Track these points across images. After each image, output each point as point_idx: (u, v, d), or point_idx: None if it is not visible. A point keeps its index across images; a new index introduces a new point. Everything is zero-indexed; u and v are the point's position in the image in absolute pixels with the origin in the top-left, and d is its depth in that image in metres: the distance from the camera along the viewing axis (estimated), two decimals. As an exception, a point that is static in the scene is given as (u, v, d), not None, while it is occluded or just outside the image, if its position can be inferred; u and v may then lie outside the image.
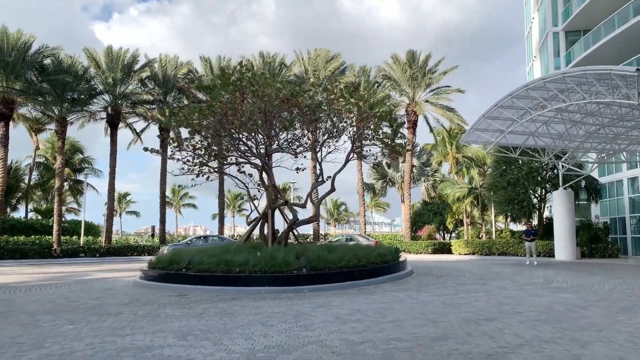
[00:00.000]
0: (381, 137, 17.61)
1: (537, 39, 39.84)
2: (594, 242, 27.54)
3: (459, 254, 32.76)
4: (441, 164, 47.89)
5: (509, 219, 34.80)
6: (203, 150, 17.58)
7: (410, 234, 35.84)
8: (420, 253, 34.11)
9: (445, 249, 34.53)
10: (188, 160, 17.44)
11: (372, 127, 17.66)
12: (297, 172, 20.19)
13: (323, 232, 56.68)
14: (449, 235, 45.95)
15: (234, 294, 12.95)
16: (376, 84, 36.25)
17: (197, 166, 17.39)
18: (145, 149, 16.66)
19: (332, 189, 18.77)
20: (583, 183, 29.82)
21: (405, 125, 36.43)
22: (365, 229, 36.70)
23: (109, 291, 14.22)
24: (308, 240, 37.43)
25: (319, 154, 18.45)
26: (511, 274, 16.95)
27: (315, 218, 18.80)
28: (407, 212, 35.45)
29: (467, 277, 16.17)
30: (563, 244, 25.85)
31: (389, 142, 17.95)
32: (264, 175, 18.26)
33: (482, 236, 35.88)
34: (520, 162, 29.56)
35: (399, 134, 31.42)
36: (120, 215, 68.42)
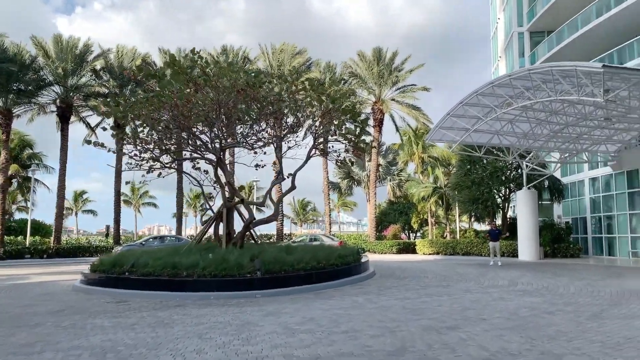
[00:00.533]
0: (344, 132, 16.78)
1: (503, 39, 39.94)
2: (557, 242, 27.53)
3: (424, 253, 32.37)
4: (407, 164, 47.67)
5: (473, 219, 34.65)
6: (153, 144, 16.37)
7: (376, 233, 35.29)
8: (385, 253, 33.59)
9: (410, 248, 34.11)
10: (136, 155, 16.19)
11: (335, 122, 16.81)
12: (257, 169, 19.18)
13: (288, 232, 55.85)
14: (414, 234, 45.71)
15: (179, 300, 11.89)
16: (342, 81, 35.53)
17: (146, 161, 16.15)
18: (88, 142, 15.33)
19: (293, 187, 17.86)
20: (546, 183, 29.82)
21: (372, 124, 35.82)
22: (330, 228, 35.93)
23: (43, 297, 12.93)
24: (271, 240, 36.42)
25: (278, 150, 17.50)
26: (475, 275, 16.41)
27: (274, 217, 17.84)
28: (372, 211, 34.86)
29: (430, 278, 15.54)
30: (527, 244, 25.69)
31: (352, 139, 17.16)
32: (220, 171, 17.17)
33: (446, 236, 35.65)
34: (484, 161, 29.33)
35: (365, 132, 30.81)
36: (76, 214, 65.59)
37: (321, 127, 16.89)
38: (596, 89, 15.76)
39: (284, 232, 38.16)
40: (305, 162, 17.47)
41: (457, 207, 32.23)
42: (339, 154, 18.59)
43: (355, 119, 17.05)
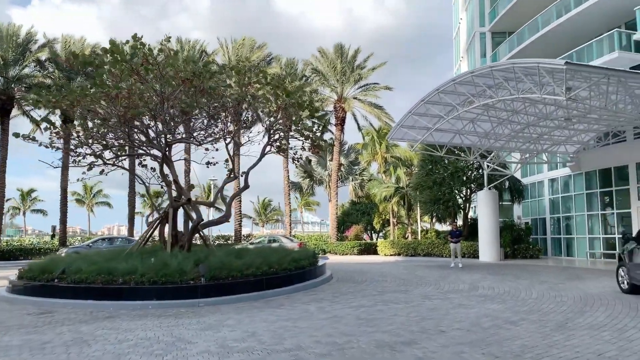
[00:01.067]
0: (300, 128, 15.86)
1: (465, 39, 39.93)
2: (517, 242, 27.45)
3: (385, 254, 31.83)
4: (370, 164, 47.25)
5: (434, 219, 34.39)
6: (92, 139, 15.01)
7: (337, 234, 34.54)
8: (347, 254, 32.89)
9: (371, 249, 33.53)
10: (72, 150, 14.80)
11: (293, 118, 15.87)
12: (208, 167, 18.01)
13: (249, 233, 54.46)
14: (376, 235, 45.28)
15: (113, 310, 10.71)
16: (304, 78, 34.62)
17: (82, 157, 14.79)
18: (16, 135, 13.85)
19: (246, 186, 16.81)
20: (507, 184, 29.76)
21: (333, 122, 35.11)
22: (290, 229, 34.99)
23: (-43, 308, 11.45)
24: (229, 242, 35.16)
25: (230, 146, 16.42)
26: (436, 278, 15.79)
27: (225, 218, 16.74)
28: (334, 211, 34.10)
29: (389, 282, 14.80)
30: (487, 245, 25.44)
31: (310, 136, 16.26)
32: (166, 169, 15.94)
33: (408, 236, 35.27)
34: (446, 161, 29.00)
35: (324, 128, 29.91)
36: (24, 213, 62.25)
37: (277, 123, 15.92)
38: (558, 87, 15.41)
39: (243, 234, 36.93)
40: (259, 159, 16.47)
41: (418, 208, 31.84)
42: (296, 152, 17.67)
43: (313, 115, 16.16)
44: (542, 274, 17.22)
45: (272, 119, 16.18)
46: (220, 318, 9.44)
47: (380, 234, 44.41)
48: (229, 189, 36.22)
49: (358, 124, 36.73)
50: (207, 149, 17.40)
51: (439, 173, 28.80)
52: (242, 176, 17.54)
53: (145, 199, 65.03)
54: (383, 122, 36.24)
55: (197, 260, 12.74)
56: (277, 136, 16.53)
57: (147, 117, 14.74)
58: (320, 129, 17.04)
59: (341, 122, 34.08)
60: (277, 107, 15.64)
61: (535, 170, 31.62)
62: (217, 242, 35.95)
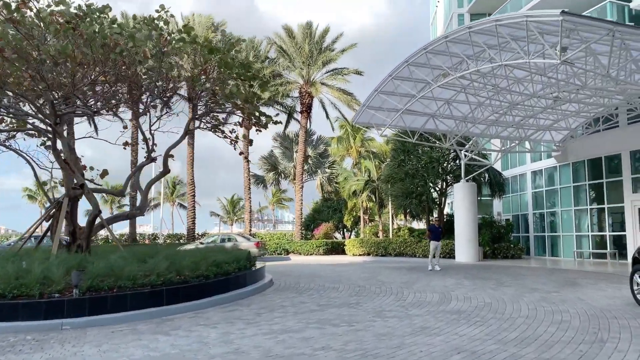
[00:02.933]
0: (228, 94, 12.63)
1: (442, 23, 37.18)
2: (497, 241, 24.72)
3: (353, 254, 28.83)
4: (344, 159, 44.22)
5: (407, 216, 31.53)
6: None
7: (302, 232, 31.41)
8: (312, 254, 29.81)
9: (339, 249, 30.52)
10: None
11: (219, 83, 12.67)
12: (125, 148, 14.67)
13: (204, 231, 50.55)
14: (349, 233, 42.31)
15: None
16: (267, 60, 31.39)
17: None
18: None
19: (166, 171, 13.56)
20: (486, 176, 27.03)
21: (299, 109, 31.92)
22: (250, 227, 31.75)
23: None
24: (180, 241, 31.73)
25: (143, 120, 13.15)
26: (400, 285, 12.75)
27: (140, 211, 13.43)
28: (299, 208, 31.00)
29: (340, 290, 11.72)
30: (465, 244, 22.60)
31: (242, 105, 13.08)
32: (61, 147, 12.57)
33: (379, 235, 32.33)
34: (420, 151, 26.12)
35: (268, 101, 26.41)
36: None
37: (200, 90, 12.68)
38: (551, 48, 12.50)
39: (199, 232, 33.53)
40: (182, 137, 13.23)
41: (390, 203, 28.88)
42: (233, 130, 14.46)
43: (249, 78, 12.96)
44: (528, 278, 14.34)
45: (199, 86, 12.92)
46: (74, 351, 6.25)
47: (353, 233, 41.48)
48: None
49: (326, 112, 33.66)
50: (125, 127, 14.12)
51: (412, 164, 25.89)
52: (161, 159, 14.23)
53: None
54: (353, 109, 33.09)
55: (78, 265, 9.47)
56: (203, 107, 13.29)
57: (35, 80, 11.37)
58: (256, 98, 13.89)
59: (307, 109, 30.93)
60: (202, 69, 12.43)
61: (517, 162, 28.94)
62: (167, 241, 32.55)
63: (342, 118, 37.11)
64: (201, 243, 26.08)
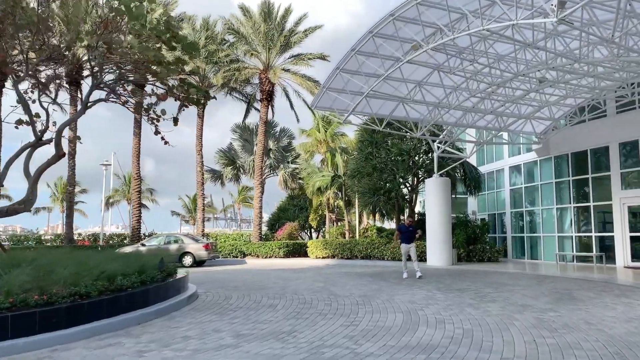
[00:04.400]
0: (137, 54, 9.76)
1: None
2: (472, 242, 22.44)
3: (316, 257, 26.17)
4: (313, 155, 41.55)
5: (376, 215, 29.09)
6: None
7: (261, 233, 28.53)
8: (271, 257, 27.02)
9: (302, 251, 27.80)
10: None
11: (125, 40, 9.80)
12: (17, 128, 11.60)
13: (151, 232, 46.81)
14: (316, 234, 39.66)
15: None
16: (223, 42, 28.42)
17: None
18: None
19: (59, 155, 10.56)
20: (461, 171, 24.75)
21: (259, 97, 29.09)
22: (203, 227, 28.72)
23: None
24: (125, 242, 28.52)
25: (23, 87, 10.16)
26: (357, 299, 10.12)
27: (26, 205, 10.41)
28: (257, 205, 28.16)
29: (278, 310, 8.99)
30: (438, 246, 20.21)
31: (156, 69, 10.25)
32: None
33: (346, 235, 29.78)
34: (389, 143, 23.65)
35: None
36: None
37: (96, 49, 9.76)
38: (546, 2, 10.05)
39: (144, 232, 30.34)
40: (80, 113, 10.33)
41: (356, 200, 26.31)
42: (151, 106, 11.57)
43: (164, 35, 10.11)
44: (514, 288, 11.91)
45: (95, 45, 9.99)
46: None
47: (321, 233, 38.84)
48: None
49: (290, 101, 30.81)
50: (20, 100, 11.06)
51: (381, 157, 23.42)
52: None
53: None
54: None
55: None
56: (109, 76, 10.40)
57: None
58: (181, 64, 11.08)
59: (267, 97, 28.07)
60: (102, 21, 9.52)
61: (494, 157, 26.77)
62: (110, 242, 29.29)
63: (308, 108, 34.53)
64: (143, 245, 23.11)
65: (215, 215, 64.50)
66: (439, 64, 16.11)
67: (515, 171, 25.00)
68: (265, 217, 47.49)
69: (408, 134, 20.71)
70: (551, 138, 21.90)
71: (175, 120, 11.89)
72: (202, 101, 12.74)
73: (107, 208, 57.72)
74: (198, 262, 22.96)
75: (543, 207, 22.62)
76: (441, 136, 21.07)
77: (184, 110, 12.01)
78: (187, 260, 22.43)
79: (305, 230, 40.31)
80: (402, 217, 24.39)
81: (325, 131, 36.22)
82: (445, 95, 18.23)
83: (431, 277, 14.89)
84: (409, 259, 14.82)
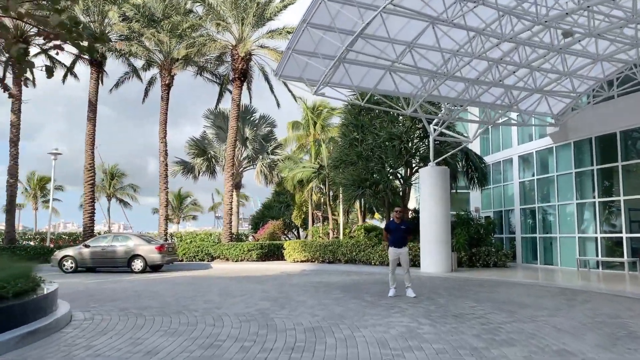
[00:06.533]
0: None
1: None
2: (475, 244, 18.85)
3: (294, 260, 22.55)
4: (302, 148, 37.86)
5: (367, 211, 25.47)
6: None
7: (231, 233, 24.84)
8: (242, 260, 23.38)
9: (279, 253, 24.17)
10: None
11: None
12: None
13: (105, 229, 42.99)
14: (305, 234, 35.98)
15: None
16: (188, 13, 24.74)
17: None
18: None
19: None
20: (462, 162, 21.14)
21: (231, 77, 25.43)
22: (166, 226, 24.93)
23: None
24: (77, 241, 24.94)
25: None
26: (298, 337, 6.50)
27: None
28: (227, 201, 24.50)
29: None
30: (433, 249, 16.59)
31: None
32: None
33: (330, 235, 26.15)
34: (377, 126, 20.00)
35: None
36: None
37: None
38: None
39: (97, 231, 26.72)
40: None
41: (341, 194, 22.62)
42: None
43: None
44: (537, 313, 8.26)
45: None
46: None
47: (307, 232, 35.13)
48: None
49: (269, 82, 26.96)
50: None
51: (367, 143, 19.77)
52: None
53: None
54: (304, 82, 26.72)
55: None
56: None
57: None
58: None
59: (241, 76, 24.39)
60: None
61: (501, 145, 23.13)
62: (59, 240, 25.71)
63: (296, 96, 30.84)
64: (86, 246, 19.55)
65: (203, 214, 60.81)
66: (436, 15, 12.45)
67: (525, 161, 21.36)
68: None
69: (396, 111, 17.06)
70: (570, 120, 18.26)
71: (49, 70, 8.27)
72: (95, 48, 9.06)
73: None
74: (152, 267, 19.40)
75: (560, 202, 18.98)
76: (440, 114, 17.42)
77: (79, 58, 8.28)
78: (137, 264, 18.85)
79: (293, 230, 36.72)
80: (392, 213, 20.74)
81: (315, 124, 32.53)
82: (444, 62, 14.57)
83: (422, 290, 11.25)
84: (399, 263, 10.89)
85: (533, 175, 20.64)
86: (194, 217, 61.42)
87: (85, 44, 8.53)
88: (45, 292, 7.27)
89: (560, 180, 19.05)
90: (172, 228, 59.45)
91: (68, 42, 8.55)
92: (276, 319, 7.77)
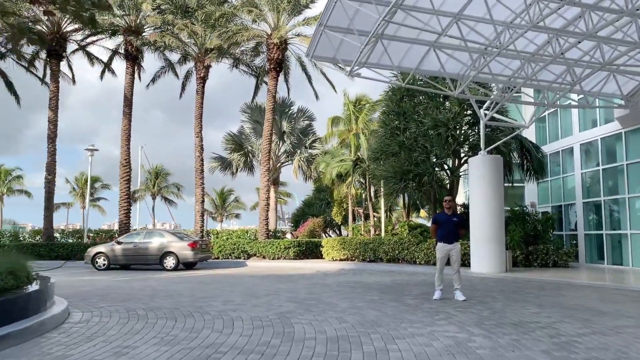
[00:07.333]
0: None
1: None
2: (531, 242, 16.97)
3: (332, 258, 21.30)
4: (343, 143, 36.51)
5: (411, 207, 23.88)
6: None
7: (267, 230, 23.76)
8: (279, 258, 22.34)
9: (317, 251, 22.97)
10: None
11: None
12: None
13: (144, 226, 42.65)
14: (346, 232, 34.62)
15: None
16: (223, 2, 23.88)
17: None
18: None
19: None
20: (517, 151, 19.25)
21: (266, 68, 24.45)
22: (202, 223, 23.87)
23: None
24: (113, 237, 24.65)
25: None
26: (319, 350, 5.21)
27: None
28: (264, 197, 23.50)
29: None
30: (485, 247, 14.89)
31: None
32: None
33: (371, 232, 24.69)
34: (421, 112, 18.43)
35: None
36: None
37: None
38: None
39: (135, 227, 26.39)
40: None
41: (382, 188, 21.12)
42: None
43: None
44: (618, 323, 6.65)
45: None
46: None
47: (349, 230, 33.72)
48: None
49: (307, 74, 25.81)
50: None
51: (410, 132, 18.25)
52: None
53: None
54: (343, 70, 25.40)
55: None
56: None
57: None
58: None
59: (276, 67, 23.38)
60: None
61: (559, 133, 21.02)
62: (95, 238, 25.52)
63: (338, 89, 29.67)
64: (118, 243, 19.01)
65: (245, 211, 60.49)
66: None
67: (589, 149, 19.21)
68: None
69: (442, 94, 15.47)
70: (643, 101, 16.07)
71: (41, 40, 7.31)
72: (96, 19, 8.18)
73: (132, 203, 55.17)
74: (185, 264, 18.68)
75: (630, 195, 16.81)
76: (493, 96, 15.68)
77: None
78: (169, 262, 18.11)
79: (334, 228, 35.44)
80: (447, 202, 19.03)
81: (357, 118, 31.08)
82: (496, 35, 12.90)
83: (473, 296, 9.73)
84: (449, 263, 9.27)
85: (598, 165, 18.48)
86: (237, 216, 61.16)
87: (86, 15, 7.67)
88: (29, 291, 6.32)
89: (631, 169, 16.87)
90: (217, 226, 59.60)
91: (67, 13, 7.69)
92: (297, 325, 6.52)
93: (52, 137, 23.38)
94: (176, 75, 27.21)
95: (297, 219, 37.14)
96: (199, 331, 6.15)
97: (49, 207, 23.41)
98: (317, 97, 27.63)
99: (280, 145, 31.24)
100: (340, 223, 30.62)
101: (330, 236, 30.93)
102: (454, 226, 9.12)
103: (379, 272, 15.69)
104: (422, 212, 34.95)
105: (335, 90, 26.49)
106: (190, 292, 10.36)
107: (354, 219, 28.85)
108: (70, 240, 25.69)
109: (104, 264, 18.53)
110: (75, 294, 9.98)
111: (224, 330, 6.17)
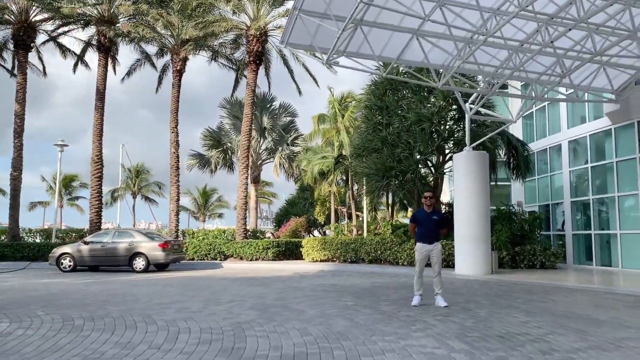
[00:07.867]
0: None
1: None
2: (518, 242, 16.28)
3: (313, 259, 20.44)
4: (328, 142, 35.63)
5: (394, 206, 23.12)
6: None
7: (245, 230, 22.76)
8: (257, 259, 21.40)
9: (297, 252, 22.07)
10: None
11: None
12: None
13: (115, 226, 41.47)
14: (330, 231, 33.76)
15: None
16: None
17: None
18: None
19: None
20: (503, 149, 18.59)
21: (246, 60, 23.49)
22: (177, 222, 22.97)
23: None
24: (83, 236, 23.49)
25: None
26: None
27: None
28: (242, 195, 22.53)
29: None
30: (470, 247, 14.13)
31: None
32: None
33: (354, 232, 23.86)
34: (404, 107, 17.65)
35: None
36: None
37: None
38: None
39: (107, 226, 25.26)
40: None
41: (364, 186, 20.29)
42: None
43: None
44: (618, 335, 5.86)
45: None
46: None
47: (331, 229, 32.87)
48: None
49: (289, 67, 24.89)
50: None
51: (393, 127, 17.45)
52: None
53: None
54: (327, 67, 24.53)
55: None
56: None
57: None
58: None
59: (256, 59, 22.41)
60: None
61: (547, 129, 20.38)
62: (65, 237, 24.32)
63: (324, 86, 28.75)
64: (85, 243, 17.93)
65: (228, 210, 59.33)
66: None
67: (577, 147, 18.58)
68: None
69: (426, 86, 14.68)
70: (632, 95, 15.44)
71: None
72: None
73: (112, 202, 53.73)
74: (156, 266, 17.70)
75: (620, 193, 16.17)
76: (479, 88, 14.93)
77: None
78: (139, 263, 17.10)
79: (318, 228, 34.57)
80: (428, 198, 18.26)
81: (342, 116, 30.21)
82: (483, 22, 12.13)
83: (456, 298, 8.93)
84: (429, 264, 8.41)
85: (586, 163, 17.85)
86: (220, 215, 60.00)
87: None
88: None
89: (621, 167, 16.24)
90: (200, 226, 58.34)
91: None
92: (250, 338, 5.64)
93: (18, 132, 22.20)
94: (154, 67, 26.18)
95: (280, 219, 36.22)
96: (133, 347, 5.24)
97: (14, 205, 22.21)
98: (300, 92, 26.56)
99: (261, 142, 30.30)
100: (323, 223, 29.76)
101: (315, 236, 30.08)
102: (434, 225, 8.31)
103: (358, 274, 14.86)
104: (409, 212, 34.28)
105: (318, 85, 25.72)
106: (148, 298, 9.42)
107: (338, 219, 28.03)
108: (37, 240, 24.47)
109: (69, 265, 17.45)
110: (18, 300, 9.01)
111: (163, 346, 5.26)
